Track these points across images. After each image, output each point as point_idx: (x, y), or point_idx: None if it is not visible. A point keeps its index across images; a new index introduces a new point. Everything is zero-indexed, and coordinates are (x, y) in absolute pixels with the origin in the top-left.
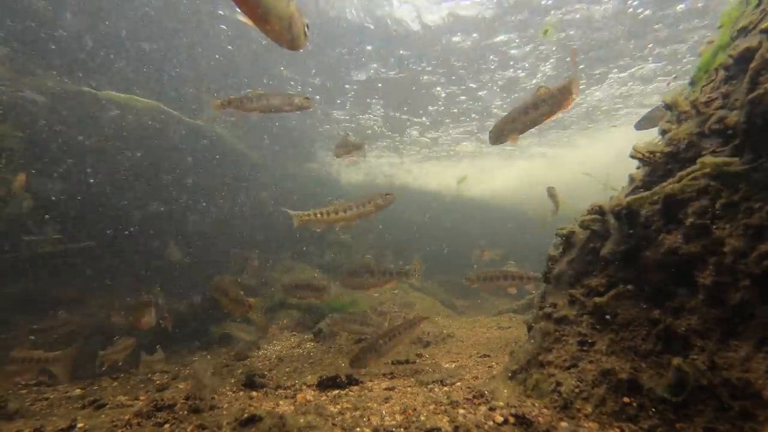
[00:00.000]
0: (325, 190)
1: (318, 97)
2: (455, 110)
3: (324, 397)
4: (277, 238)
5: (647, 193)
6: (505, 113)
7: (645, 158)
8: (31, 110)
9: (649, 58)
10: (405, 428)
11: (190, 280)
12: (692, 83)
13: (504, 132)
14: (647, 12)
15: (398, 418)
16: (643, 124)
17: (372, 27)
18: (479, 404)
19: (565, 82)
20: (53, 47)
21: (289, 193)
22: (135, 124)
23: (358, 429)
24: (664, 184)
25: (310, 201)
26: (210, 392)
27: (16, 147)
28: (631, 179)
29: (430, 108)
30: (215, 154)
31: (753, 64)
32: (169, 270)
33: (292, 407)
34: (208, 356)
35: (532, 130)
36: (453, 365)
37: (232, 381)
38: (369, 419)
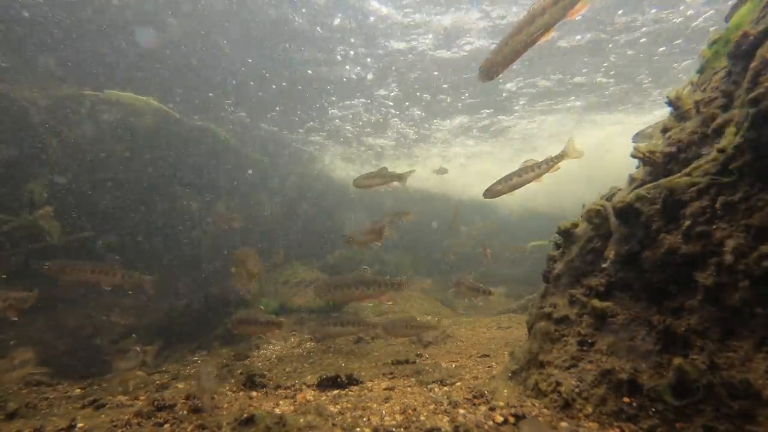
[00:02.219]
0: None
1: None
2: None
3: (324, 397)
4: (281, 240)
5: (649, 185)
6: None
7: (645, 158)
8: (31, 111)
9: None
10: (405, 428)
11: (190, 279)
12: (702, 71)
13: (496, 64)
14: None
15: (398, 418)
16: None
17: None
18: (479, 404)
19: None
20: None
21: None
22: (137, 123)
23: (358, 429)
24: (670, 177)
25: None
26: (209, 396)
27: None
28: (631, 179)
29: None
30: (217, 155)
31: (753, 63)
32: (169, 269)
33: (292, 407)
34: (208, 357)
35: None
36: (453, 365)
37: (232, 381)
38: (369, 419)
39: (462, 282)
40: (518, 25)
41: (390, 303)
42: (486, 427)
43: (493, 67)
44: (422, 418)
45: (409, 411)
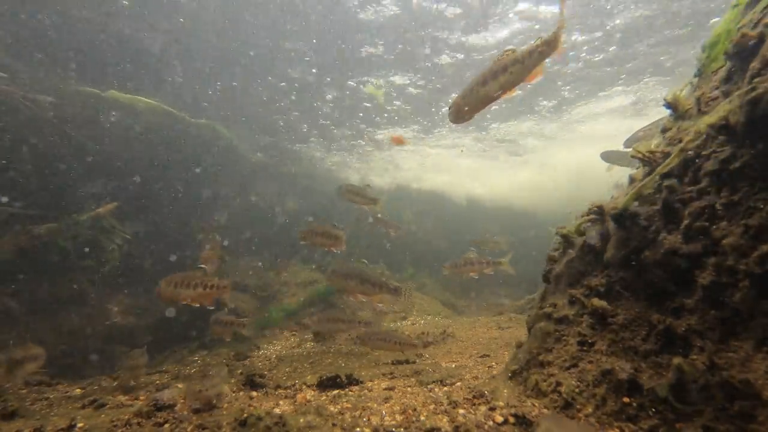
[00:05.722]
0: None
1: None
2: None
3: (324, 397)
4: (279, 239)
5: (644, 181)
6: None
7: (645, 158)
8: (35, 110)
9: None
10: (405, 428)
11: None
12: (699, 75)
13: (462, 109)
14: None
15: (398, 418)
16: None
17: None
18: (479, 404)
19: (543, 40)
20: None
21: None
22: (138, 124)
23: (358, 429)
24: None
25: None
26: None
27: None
28: (631, 179)
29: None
30: (217, 155)
31: (753, 64)
32: (168, 269)
33: (292, 407)
34: (208, 356)
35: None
36: (453, 365)
37: (232, 381)
38: (369, 419)
39: (457, 264)
40: (482, 77)
41: (381, 305)
42: (486, 427)
43: (460, 112)
44: (422, 418)
45: (409, 411)
